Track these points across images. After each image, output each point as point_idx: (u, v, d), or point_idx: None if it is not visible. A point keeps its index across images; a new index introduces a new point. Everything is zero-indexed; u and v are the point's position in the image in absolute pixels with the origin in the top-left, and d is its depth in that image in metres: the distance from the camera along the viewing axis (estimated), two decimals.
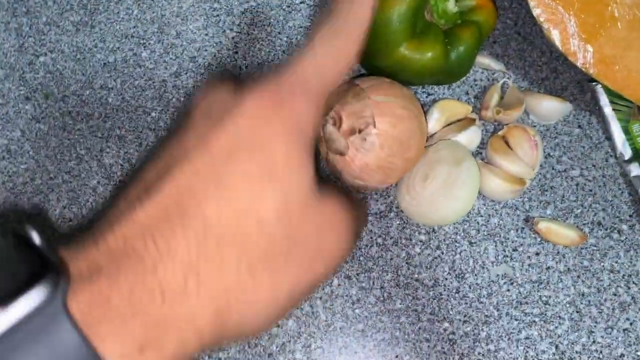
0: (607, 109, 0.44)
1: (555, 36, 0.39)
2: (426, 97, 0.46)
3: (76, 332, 0.18)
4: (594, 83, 0.44)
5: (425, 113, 0.45)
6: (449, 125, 0.44)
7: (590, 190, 0.43)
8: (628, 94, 0.39)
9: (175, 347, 0.21)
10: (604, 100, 0.44)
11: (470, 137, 0.43)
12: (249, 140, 0.23)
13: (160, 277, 0.20)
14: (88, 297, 0.19)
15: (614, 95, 0.44)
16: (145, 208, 0.22)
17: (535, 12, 0.39)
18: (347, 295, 0.41)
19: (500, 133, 0.44)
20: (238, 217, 0.22)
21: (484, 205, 0.43)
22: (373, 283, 0.42)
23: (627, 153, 0.43)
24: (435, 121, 0.44)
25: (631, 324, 0.40)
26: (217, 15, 0.50)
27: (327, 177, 0.44)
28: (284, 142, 0.23)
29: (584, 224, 0.42)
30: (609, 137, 0.44)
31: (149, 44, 0.49)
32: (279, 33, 0.49)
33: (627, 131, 0.43)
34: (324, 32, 0.27)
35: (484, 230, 0.42)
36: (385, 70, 0.42)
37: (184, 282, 0.21)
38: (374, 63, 0.42)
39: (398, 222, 0.43)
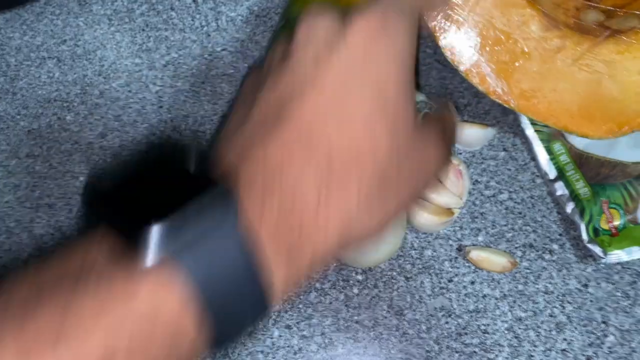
0: (529, 131, 0.44)
1: (473, 77, 0.39)
2: None
3: (243, 228, 0.21)
4: None
5: None
6: None
7: (520, 213, 0.43)
8: (553, 123, 0.39)
9: (309, 257, 0.23)
10: (525, 122, 0.44)
11: None
12: (362, 63, 0.24)
13: (298, 188, 0.23)
14: (250, 204, 0.22)
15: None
16: (281, 131, 0.24)
17: (449, 55, 0.39)
18: (288, 346, 0.41)
19: None
20: (357, 146, 0.24)
21: (417, 238, 0.43)
22: (314, 330, 0.41)
23: (552, 172, 0.43)
24: None
25: (569, 343, 0.40)
26: (140, 71, 0.49)
27: None
28: (394, 65, 0.25)
29: (516, 248, 0.42)
30: (534, 158, 0.44)
31: (73, 106, 0.48)
32: (203, 83, 0.48)
33: (550, 151, 0.43)
34: None
35: (419, 264, 0.42)
36: None
37: (317, 198, 0.23)
38: None
39: (335, 264, 0.42)
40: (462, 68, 0.39)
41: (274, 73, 0.26)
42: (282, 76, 0.26)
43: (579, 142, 0.43)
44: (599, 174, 0.41)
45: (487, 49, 0.39)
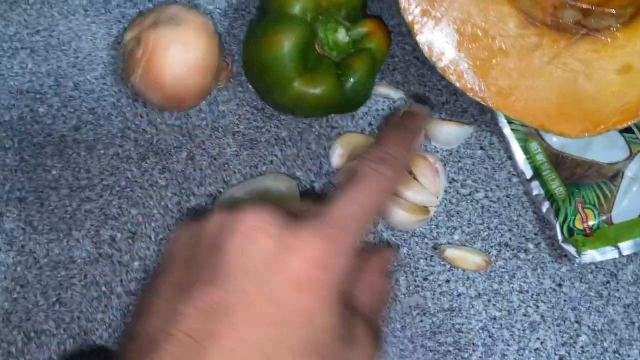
0: (506, 130, 0.43)
1: (450, 74, 0.38)
2: (330, 130, 0.45)
3: None
4: None
5: (330, 148, 0.44)
6: (354, 158, 0.43)
7: (496, 212, 0.43)
8: (529, 121, 0.39)
9: None
10: (502, 120, 0.44)
11: None
12: (296, 295, 0.24)
13: None
14: None
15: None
16: None
17: (426, 53, 0.38)
18: None
19: None
20: None
21: (392, 236, 0.42)
22: None
23: (528, 172, 0.42)
24: (339, 156, 0.43)
25: (542, 343, 0.39)
26: (115, 63, 0.47)
27: None
28: (328, 299, 0.24)
29: (491, 247, 0.42)
30: (510, 157, 0.44)
31: (46, 98, 0.46)
32: None
33: (526, 150, 0.43)
34: (349, 194, 0.27)
35: (395, 262, 0.41)
36: (285, 106, 0.41)
37: None
38: (272, 99, 0.41)
39: None
40: (439, 65, 0.39)
41: (199, 280, 0.25)
42: (209, 291, 0.24)
43: (555, 142, 0.42)
44: (574, 173, 0.41)
45: (465, 45, 0.38)
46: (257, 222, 0.25)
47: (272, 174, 0.43)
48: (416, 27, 0.39)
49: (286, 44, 0.38)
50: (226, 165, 0.44)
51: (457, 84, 0.39)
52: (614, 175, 0.41)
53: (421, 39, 0.39)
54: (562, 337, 0.39)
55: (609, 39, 0.37)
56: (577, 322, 0.40)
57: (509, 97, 0.39)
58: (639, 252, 0.40)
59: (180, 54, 0.39)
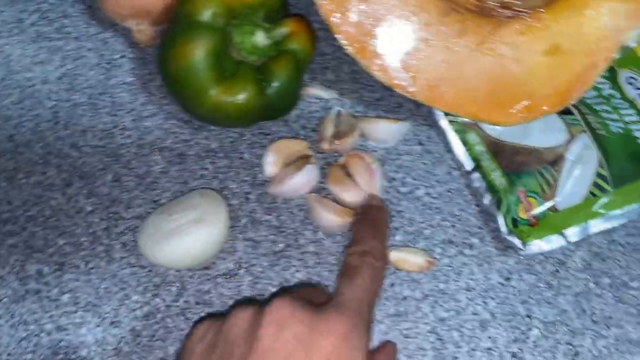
0: (443, 122, 0.41)
1: (376, 70, 0.36)
2: (263, 138, 0.43)
3: None
4: None
5: (263, 157, 0.41)
6: (288, 165, 0.41)
7: (437, 208, 0.41)
8: (462, 112, 0.37)
9: None
10: (438, 113, 0.42)
11: (308, 175, 0.40)
12: None
13: None
14: None
15: None
16: None
17: (348, 50, 0.36)
18: None
19: (340, 162, 0.41)
20: None
21: (334, 243, 0.40)
22: None
23: (468, 164, 0.40)
24: (271, 165, 0.41)
25: (493, 341, 0.37)
26: (33, 86, 0.45)
27: None
28: None
29: (434, 245, 0.40)
30: (450, 150, 0.41)
31: None
32: (101, 94, 0.44)
33: (465, 142, 0.41)
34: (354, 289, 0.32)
35: (337, 271, 0.39)
36: (206, 117, 0.38)
37: None
38: (192, 111, 0.38)
39: (249, 279, 0.39)
40: (363, 61, 0.36)
41: None
42: None
43: (492, 130, 0.40)
44: (514, 161, 0.39)
45: (387, 39, 0.36)
46: (287, 311, 0.29)
47: (198, 190, 0.41)
48: (334, 22, 0.36)
49: (197, 53, 0.36)
50: (155, 184, 0.42)
51: (384, 80, 0.36)
52: (555, 160, 0.39)
53: (341, 35, 0.36)
54: (513, 333, 0.37)
55: (535, 21, 0.35)
56: (527, 316, 0.38)
57: (438, 90, 0.36)
58: (586, 237, 0.38)
59: None
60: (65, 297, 0.39)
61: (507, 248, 0.39)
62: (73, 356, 0.38)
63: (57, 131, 0.43)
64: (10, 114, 0.44)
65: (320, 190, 0.41)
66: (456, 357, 0.37)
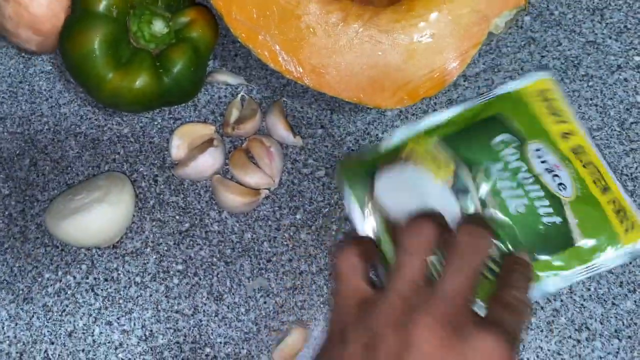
0: (348, 198, 0.39)
1: (264, 56, 0.37)
2: (173, 122, 0.44)
3: None
4: None
5: (169, 140, 0.43)
6: (195, 148, 0.43)
7: (336, 188, 0.42)
8: (346, 96, 0.38)
9: None
10: (345, 185, 0.41)
11: (212, 158, 0.41)
12: None
13: None
14: None
15: (349, 178, 0.39)
16: None
17: (240, 37, 0.37)
18: (109, 342, 0.39)
19: (243, 146, 0.43)
20: None
21: (237, 222, 0.42)
22: (134, 324, 0.40)
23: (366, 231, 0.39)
24: (177, 148, 0.42)
25: None
26: None
27: None
28: None
29: (332, 222, 0.41)
30: (350, 133, 0.43)
31: None
32: (20, 82, 0.45)
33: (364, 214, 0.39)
34: (454, 269, 0.28)
35: (239, 247, 0.41)
36: (106, 102, 0.40)
37: None
38: (94, 96, 0.40)
39: (155, 257, 0.41)
40: (253, 48, 0.38)
41: None
42: None
43: (391, 209, 0.36)
44: None
45: (273, 27, 0.37)
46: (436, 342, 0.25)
47: (105, 173, 0.42)
48: (224, 10, 0.38)
49: (92, 41, 0.37)
50: (69, 169, 0.43)
51: (273, 66, 0.38)
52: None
53: (231, 23, 0.38)
54: None
55: (408, 8, 0.37)
56: None
57: (324, 75, 0.38)
58: None
59: None
60: None
61: None
62: None
63: None
64: None
65: (227, 173, 0.43)
66: None
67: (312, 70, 0.38)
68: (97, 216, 0.38)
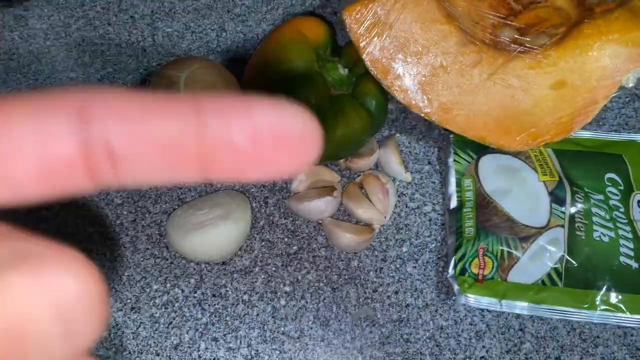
0: (450, 159, 0.43)
1: (396, 90, 0.38)
2: None
3: None
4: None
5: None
6: (314, 189, 0.42)
7: (443, 224, 0.42)
8: (470, 134, 0.38)
9: None
10: (449, 151, 0.43)
11: (325, 206, 0.41)
12: None
13: None
14: None
15: (458, 147, 0.43)
16: None
17: (372, 71, 0.38)
18: (214, 358, 0.39)
19: (357, 180, 0.43)
20: None
21: (342, 253, 0.41)
22: (240, 342, 0.39)
23: (453, 203, 0.42)
24: (299, 182, 0.42)
25: (487, 351, 0.39)
26: (74, 86, 0.47)
27: None
28: None
29: (438, 258, 0.41)
30: (444, 185, 0.43)
31: None
32: None
33: (459, 183, 0.42)
34: None
35: (345, 275, 0.41)
36: (330, 157, 0.41)
37: None
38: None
39: (263, 277, 0.41)
40: (384, 81, 0.38)
41: None
42: None
43: (486, 185, 0.41)
44: (489, 220, 0.40)
45: (409, 63, 0.38)
46: None
47: (225, 190, 0.42)
48: (362, 45, 0.38)
49: (310, 101, 0.37)
50: (182, 184, 0.43)
51: (402, 100, 0.38)
52: (525, 237, 0.39)
53: (367, 56, 0.38)
54: (506, 344, 0.39)
55: (543, 57, 0.37)
56: (520, 330, 0.39)
57: (451, 112, 0.38)
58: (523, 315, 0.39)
59: None
60: None
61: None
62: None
63: None
64: None
65: (338, 217, 0.43)
66: None
67: (440, 107, 0.38)
68: (223, 232, 0.38)
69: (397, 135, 0.44)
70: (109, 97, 0.10)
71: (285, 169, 0.11)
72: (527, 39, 0.39)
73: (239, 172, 0.11)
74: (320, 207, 0.41)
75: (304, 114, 0.11)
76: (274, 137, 0.10)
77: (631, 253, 0.40)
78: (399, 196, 0.43)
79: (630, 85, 0.37)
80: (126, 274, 0.41)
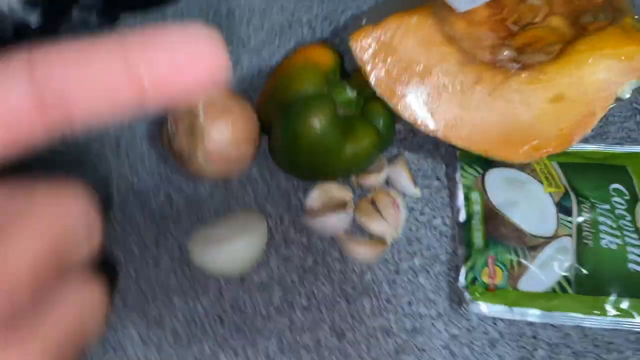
0: (457, 174, 0.44)
1: (402, 110, 0.40)
2: None
3: None
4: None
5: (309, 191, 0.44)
6: (328, 206, 0.44)
7: (453, 237, 0.43)
8: (474, 148, 0.40)
9: None
10: (456, 165, 0.45)
11: (339, 221, 0.42)
12: None
13: None
14: None
15: (465, 162, 0.44)
16: None
17: (379, 93, 0.40)
18: None
19: (369, 196, 0.44)
20: None
21: (356, 265, 0.42)
22: (259, 354, 0.40)
23: (462, 216, 0.43)
24: (313, 200, 0.44)
25: (501, 358, 0.39)
26: None
27: None
28: None
29: (449, 269, 0.42)
30: (452, 199, 0.44)
31: None
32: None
33: (467, 197, 0.43)
34: None
35: (359, 287, 0.42)
36: (338, 173, 0.42)
37: None
38: (323, 173, 0.42)
39: (280, 290, 0.42)
40: (391, 102, 0.40)
41: None
42: None
43: (493, 198, 0.42)
44: (498, 230, 0.41)
45: (413, 83, 0.40)
46: None
47: (242, 208, 0.44)
48: (368, 69, 0.40)
49: (322, 120, 0.38)
50: (201, 204, 0.45)
51: (408, 119, 0.40)
52: (534, 246, 0.40)
53: (373, 80, 0.40)
54: (519, 351, 0.39)
55: (541, 73, 0.39)
56: (533, 337, 0.39)
57: (455, 128, 0.40)
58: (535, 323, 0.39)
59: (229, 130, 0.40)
60: (115, 298, 0.42)
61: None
62: (120, 352, 0.40)
63: (119, 155, 0.48)
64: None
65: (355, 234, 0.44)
66: None
67: (444, 124, 0.40)
68: (239, 246, 0.40)
69: (406, 152, 0.46)
70: (51, 49, 0.12)
71: (202, 85, 0.13)
72: (524, 57, 0.41)
73: (166, 94, 0.13)
74: (334, 222, 0.42)
75: (212, 35, 0.13)
76: (190, 62, 0.13)
77: (639, 260, 0.40)
78: (409, 211, 0.44)
79: (627, 96, 0.38)
80: (149, 291, 0.42)
